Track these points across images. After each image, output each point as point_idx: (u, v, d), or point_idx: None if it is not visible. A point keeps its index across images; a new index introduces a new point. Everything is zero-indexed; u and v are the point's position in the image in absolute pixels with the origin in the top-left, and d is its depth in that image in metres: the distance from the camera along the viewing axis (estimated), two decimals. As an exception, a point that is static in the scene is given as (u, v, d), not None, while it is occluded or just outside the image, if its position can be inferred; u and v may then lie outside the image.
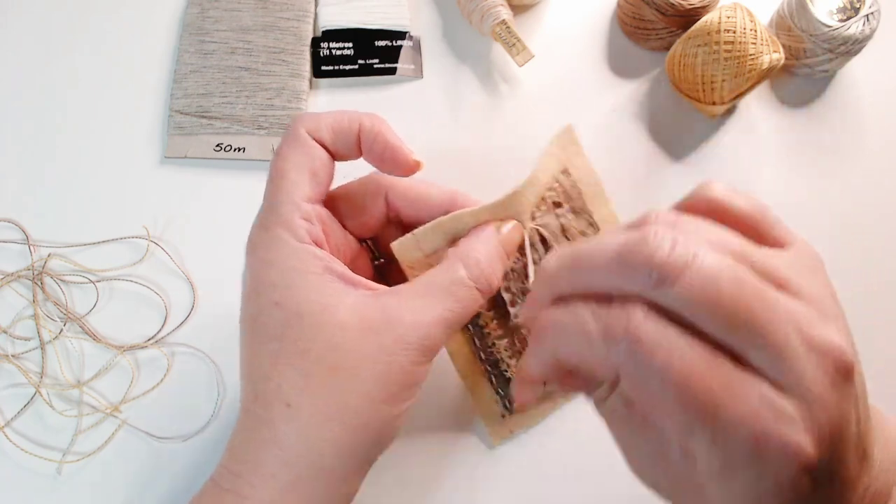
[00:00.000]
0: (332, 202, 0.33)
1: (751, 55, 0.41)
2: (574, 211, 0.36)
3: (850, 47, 0.44)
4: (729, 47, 0.41)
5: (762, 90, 0.48)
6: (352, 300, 0.29)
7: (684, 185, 0.41)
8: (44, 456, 0.39)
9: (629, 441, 0.24)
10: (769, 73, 0.43)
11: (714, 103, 0.44)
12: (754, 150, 0.47)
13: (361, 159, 0.33)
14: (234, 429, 0.29)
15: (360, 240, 0.35)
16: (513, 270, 0.34)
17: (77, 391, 0.40)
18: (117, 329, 0.42)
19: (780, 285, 0.21)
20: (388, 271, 0.36)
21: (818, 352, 0.20)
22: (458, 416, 0.40)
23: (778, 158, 0.47)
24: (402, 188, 0.33)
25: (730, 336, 0.20)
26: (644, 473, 0.24)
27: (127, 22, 0.49)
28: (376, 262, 0.36)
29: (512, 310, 0.35)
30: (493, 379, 0.36)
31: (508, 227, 0.32)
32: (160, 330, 0.42)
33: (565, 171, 0.36)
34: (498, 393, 0.37)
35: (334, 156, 0.32)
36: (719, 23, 0.42)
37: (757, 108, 0.48)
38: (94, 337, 0.41)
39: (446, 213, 0.32)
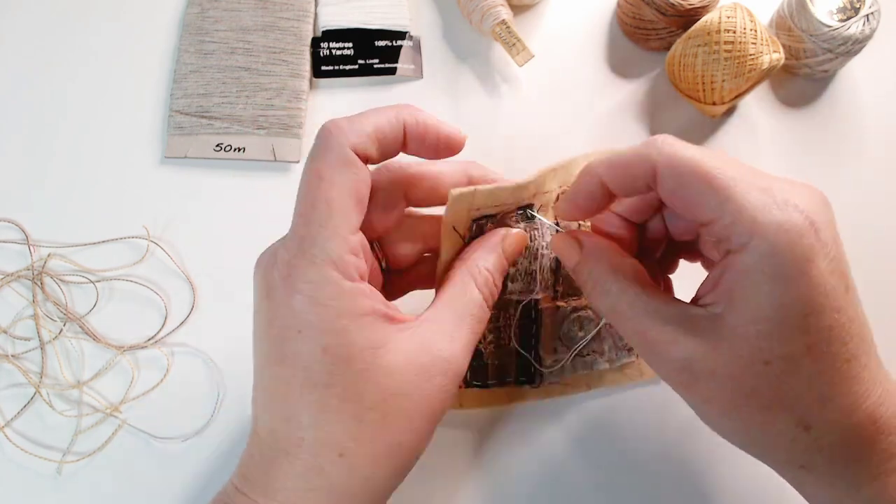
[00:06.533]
0: None
1: (751, 55, 0.41)
2: None
3: (850, 47, 0.44)
4: (729, 47, 0.41)
5: (762, 90, 0.48)
6: (397, 340, 0.28)
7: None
8: (44, 456, 0.39)
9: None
10: (769, 73, 0.43)
11: (714, 103, 0.44)
12: (754, 150, 0.47)
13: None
14: (261, 462, 0.28)
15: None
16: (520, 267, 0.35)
17: (77, 391, 0.40)
18: (117, 329, 0.42)
19: None
20: (390, 278, 0.35)
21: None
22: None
23: (778, 158, 0.46)
24: (417, 178, 0.32)
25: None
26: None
27: (127, 22, 0.49)
28: (382, 268, 0.35)
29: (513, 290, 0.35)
30: None
31: (513, 237, 0.33)
32: (160, 330, 0.42)
33: None
34: None
35: (377, 161, 0.30)
36: (719, 23, 0.42)
37: (757, 108, 0.48)
38: (94, 337, 0.41)
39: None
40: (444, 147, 0.31)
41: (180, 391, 0.40)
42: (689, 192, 0.27)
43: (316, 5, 0.50)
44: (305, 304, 0.27)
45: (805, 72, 0.47)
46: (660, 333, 0.27)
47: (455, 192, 0.31)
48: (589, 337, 0.37)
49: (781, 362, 0.25)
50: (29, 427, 0.40)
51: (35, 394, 0.40)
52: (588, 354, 0.38)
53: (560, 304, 0.37)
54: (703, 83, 0.43)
